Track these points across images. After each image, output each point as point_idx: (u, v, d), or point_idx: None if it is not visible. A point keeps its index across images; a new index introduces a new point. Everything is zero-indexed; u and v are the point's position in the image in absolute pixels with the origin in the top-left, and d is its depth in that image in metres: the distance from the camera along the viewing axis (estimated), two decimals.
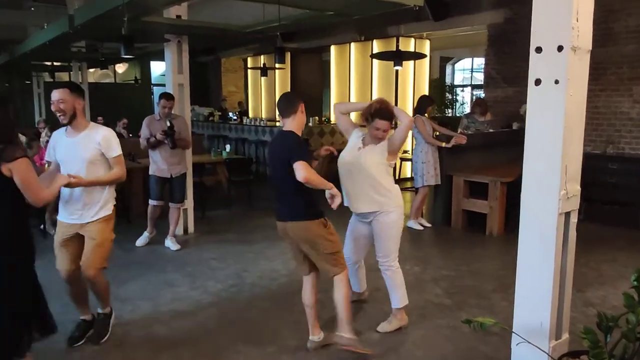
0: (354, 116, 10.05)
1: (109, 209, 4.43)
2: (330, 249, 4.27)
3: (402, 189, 7.63)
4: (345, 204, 4.69)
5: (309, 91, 14.21)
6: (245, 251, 7.36)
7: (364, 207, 4.72)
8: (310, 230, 4.16)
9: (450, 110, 19.79)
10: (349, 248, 4.92)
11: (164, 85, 9.16)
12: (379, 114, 4.54)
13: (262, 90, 17.08)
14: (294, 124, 4.24)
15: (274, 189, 4.25)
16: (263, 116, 16.81)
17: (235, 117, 16.25)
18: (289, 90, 14.92)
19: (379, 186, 4.67)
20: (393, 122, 4.68)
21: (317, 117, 13.85)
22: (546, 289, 4.19)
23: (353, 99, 13.65)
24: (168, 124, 7.50)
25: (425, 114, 8.25)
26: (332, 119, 13.54)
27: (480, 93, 15.78)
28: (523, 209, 4.25)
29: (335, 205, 4.00)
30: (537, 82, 4.03)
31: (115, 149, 4.39)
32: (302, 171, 3.84)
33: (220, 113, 17.19)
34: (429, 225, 8.78)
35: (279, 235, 4.40)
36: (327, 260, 4.27)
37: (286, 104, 4.25)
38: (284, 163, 4.05)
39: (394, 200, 4.75)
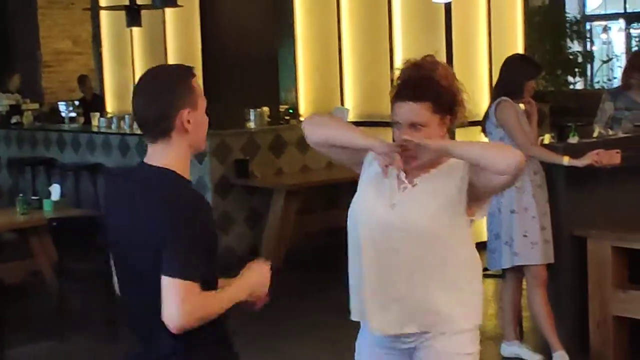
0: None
1: None
2: None
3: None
4: (355, 318, 3.55)
5: (247, 50, 10.77)
6: None
7: (409, 324, 3.45)
8: None
9: (577, 79, 16.44)
10: None
11: None
12: (403, 89, 3.39)
13: (134, 50, 13.76)
14: (170, 154, 2.93)
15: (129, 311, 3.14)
16: None
17: (72, 114, 13.08)
18: (197, 54, 11.84)
19: (448, 274, 3.43)
20: (448, 112, 3.43)
21: (267, 108, 10.51)
22: None
23: (348, 70, 10.76)
24: None
25: (521, 99, 6.15)
26: (303, 110, 11.49)
27: None
28: None
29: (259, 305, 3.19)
30: None
31: None
32: (188, 312, 2.74)
33: (37, 105, 14.07)
34: (535, 357, 6.22)
35: None
36: None
37: (146, 111, 2.92)
38: (149, 253, 2.83)
39: (472, 308, 3.51)
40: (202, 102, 2.93)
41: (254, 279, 3.04)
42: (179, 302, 2.72)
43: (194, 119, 2.87)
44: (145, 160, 2.95)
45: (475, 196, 3.42)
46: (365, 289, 3.48)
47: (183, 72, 2.95)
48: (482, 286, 3.59)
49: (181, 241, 2.75)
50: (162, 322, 2.81)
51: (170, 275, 2.70)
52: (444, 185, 3.40)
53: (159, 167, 2.89)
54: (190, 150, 2.93)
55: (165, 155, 2.89)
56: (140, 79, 3.03)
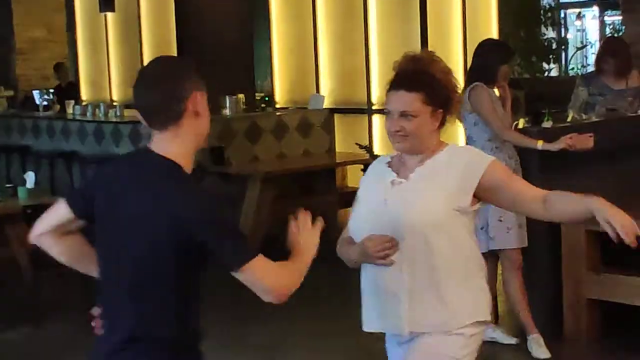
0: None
1: None
2: None
3: None
4: (368, 325, 3.40)
5: (222, 37, 10.77)
6: None
7: (399, 322, 3.29)
8: None
9: (552, 66, 16.59)
10: None
11: None
12: (397, 79, 3.29)
13: (109, 39, 13.88)
14: (178, 142, 2.80)
15: (107, 295, 2.94)
16: (115, 98, 13.72)
17: (46, 101, 12.88)
18: (171, 40, 11.94)
19: (443, 270, 3.25)
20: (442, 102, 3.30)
21: (242, 95, 10.42)
22: None
23: (323, 58, 10.77)
24: None
25: (495, 83, 6.07)
26: (278, 97, 11.48)
27: (617, 22, 14.70)
28: None
29: None
30: None
31: None
32: (273, 281, 2.76)
33: (12, 93, 14.18)
34: (510, 340, 6.20)
35: None
36: None
37: (157, 95, 2.77)
38: (162, 245, 2.73)
39: (476, 304, 3.31)
40: (205, 94, 2.85)
41: (307, 246, 2.98)
42: (261, 282, 2.72)
43: (203, 106, 2.79)
44: (151, 147, 2.81)
45: (486, 197, 3.32)
46: (365, 283, 3.39)
47: (190, 59, 2.91)
48: (484, 282, 3.42)
49: (221, 231, 2.72)
50: (132, 307, 2.76)
51: (238, 266, 2.69)
52: (439, 178, 3.28)
53: (165, 158, 2.77)
54: (196, 142, 2.81)
55: (173, 144, 2.77)
56: (146, 66, 2.91)
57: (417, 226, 3.22)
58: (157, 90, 2.74)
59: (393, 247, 3.20)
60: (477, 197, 3.28)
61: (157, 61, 2.89)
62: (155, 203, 2.72)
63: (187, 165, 2.77)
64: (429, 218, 3.21)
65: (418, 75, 3.28)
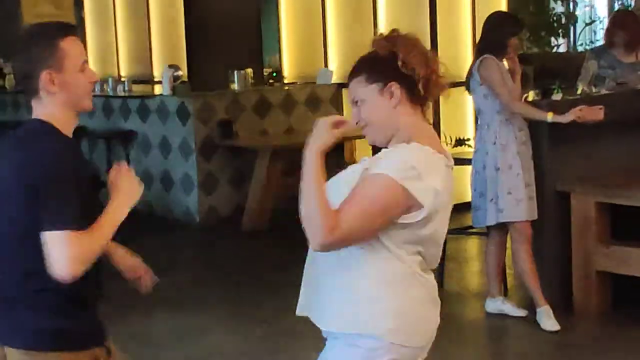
0: None
1: None
2: None
3: (460, 233, 7.36)
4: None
5: (229, 15, 10.48)
6: None
7: (325, 319, 3.06)
8: None
9: (561, 41, 16.38)
10: None
11: None
12: (352, 70, 3.00)
13: (116, 14, 13.71)
14: (46, 108, 2.87)
15: None
16: (123, 73, 13.60)
17: None
18: (179, 14, 11.60)
19: (340, 271, 2.96)
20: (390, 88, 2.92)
21: (250, 70, 10.25)
22: None
23: (331, 32, 10.65)
24: None
25: (504, 55, 6.06)
26: (286, 72, 11.35)
27: None
28: None
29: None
30: None
31: None
32: (63, 254, 2.68)
33: None
34: (520, 312, 6.21)
35: None
36: None
37: (15, 69, 2.96)
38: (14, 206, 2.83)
39: (370, 319, 2.92)
40: (72, 62, 2.82)
41: (125, 189, 2.93)
42: (60, 254, 2.66)
43: (61, 80, 2.79)
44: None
45: None
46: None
47: (50, 31, 2.85)
48: (390, 298, 2.92)
49: (48, 190, 2.70)
50: (6, 267, 2.79)
51: (47, 230, 2.66)
52: (354, 175, 2.97)
53: (33, 119, 2.84)
54: (67, 108, 2.86)
55: (41, 111, 2.84)
56: (19, 34, 2.96)
57: None
58: (14, 64, 2.87)
59: None
60: None
61: (22, 33, 2.95)
62: (10, 165, 2.78)
63: (63, 126, 2.81)
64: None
65: (359, 60, 3.03)
